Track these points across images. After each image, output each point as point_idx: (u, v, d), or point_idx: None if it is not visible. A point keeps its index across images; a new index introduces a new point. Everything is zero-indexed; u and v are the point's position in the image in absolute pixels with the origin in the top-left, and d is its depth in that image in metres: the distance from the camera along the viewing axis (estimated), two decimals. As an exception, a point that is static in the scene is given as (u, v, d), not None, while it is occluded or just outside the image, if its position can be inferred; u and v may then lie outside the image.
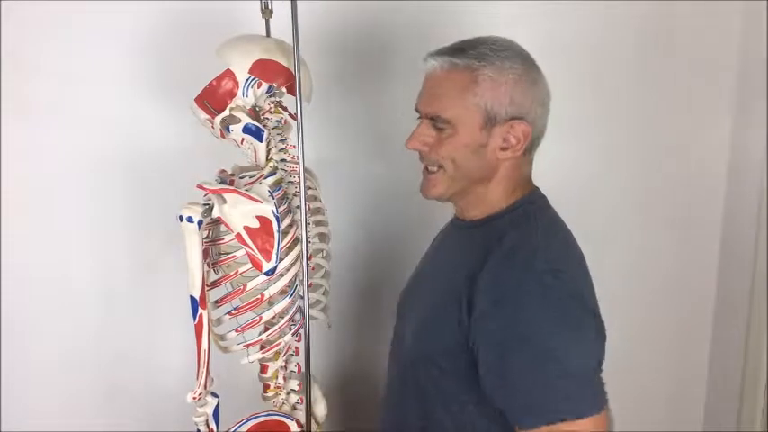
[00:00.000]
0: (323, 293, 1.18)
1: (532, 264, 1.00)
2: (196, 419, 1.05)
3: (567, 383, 0.94)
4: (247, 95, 1.02)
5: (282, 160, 1.07)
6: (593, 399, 0.95)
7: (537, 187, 1.13)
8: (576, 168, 1.59)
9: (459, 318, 1.00)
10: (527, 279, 0.98)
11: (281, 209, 1.03)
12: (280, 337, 1.08)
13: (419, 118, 1.10)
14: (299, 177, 1.01)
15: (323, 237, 1.18)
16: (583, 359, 0.97)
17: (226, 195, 0.98)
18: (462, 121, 1.04)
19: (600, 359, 1.00)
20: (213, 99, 1.02)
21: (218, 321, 1.07)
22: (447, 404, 1.06)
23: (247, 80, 1.01)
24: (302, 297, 1.07)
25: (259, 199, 1.00)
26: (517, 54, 1.05)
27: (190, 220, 0.96)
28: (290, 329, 1.10)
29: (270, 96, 1.05)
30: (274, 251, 1.00)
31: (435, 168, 1.08)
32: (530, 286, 0.98)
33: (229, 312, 1.05)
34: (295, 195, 1.05)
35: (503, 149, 1.06)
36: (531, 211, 1.08)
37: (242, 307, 1.04)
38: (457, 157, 1.06)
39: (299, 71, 0.99)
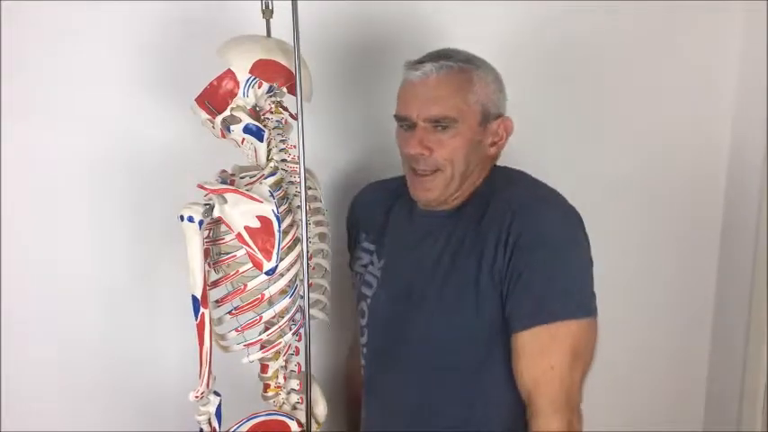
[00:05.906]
0: (323, 293, 1.18)
1: (534, 191, 1.13)
2: (199, 418, 1.06)
3: (570, 291, 1.06)
4: (248, 95, 1.02)
5: (283, 160, 1.07)
6: (588, 305, 1.07)
7: None
8: (574, 169, 1.59)
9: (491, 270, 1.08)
10: (537, 201, 1.11)
11: (281, 209, 1.03)
12: (280, 336, 1.08)
13: (403, 126, 1.14)
14: (300, 177, 1.02)
15: (323, 236, 1.18)
16: (586, 272, 1.09)
17: (227, 195, 0.98)
18: (465, 119, 1.10)
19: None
20: (214, 99, 1.02)
21: (219, 321, 1.08)
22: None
23: (248, 80, 1.01)
24: (302, 297, 1.07)
25: (260, 199, 1.00)
26: (485, 60, 1.15)
27: (191, 219, 0.96)
28: (291, 329, 1.10)
29: (270, 96, 1.05)
30: (275, 251, 1.01)
31: (429, 171, 1.09)
32: (541, 201, 1.11)
33: (230, 312, 1.05)
34: (295, 195, 1.06)
35: (492, 144, 1.15)
36: (502, 170, 1.20)
37: (242, 307, 1.04)
38: (456, 157, 1.11)
39: (299, 71, 0.99)
